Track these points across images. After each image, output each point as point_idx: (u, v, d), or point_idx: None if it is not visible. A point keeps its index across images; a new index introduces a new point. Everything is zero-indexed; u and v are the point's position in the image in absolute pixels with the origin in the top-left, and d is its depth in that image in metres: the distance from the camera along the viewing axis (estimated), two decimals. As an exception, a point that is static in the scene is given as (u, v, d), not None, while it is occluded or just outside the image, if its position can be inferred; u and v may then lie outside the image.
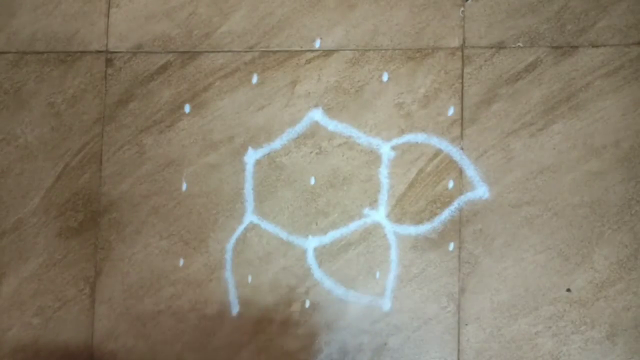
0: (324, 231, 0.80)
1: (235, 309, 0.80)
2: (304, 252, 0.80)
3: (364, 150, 0.80)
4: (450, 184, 0.78)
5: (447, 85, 0.79)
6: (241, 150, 0.81)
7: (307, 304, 0.80)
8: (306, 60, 0.80)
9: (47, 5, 0.83)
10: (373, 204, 0.79)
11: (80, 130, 0.82)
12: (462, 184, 0.78)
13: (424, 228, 0.79)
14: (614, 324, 0.76)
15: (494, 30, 0.79)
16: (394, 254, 0.79)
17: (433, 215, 0.79)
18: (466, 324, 0.78)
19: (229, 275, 0.81)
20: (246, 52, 0.81)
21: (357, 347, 0.79)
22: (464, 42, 0.79)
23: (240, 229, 0.81)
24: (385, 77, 0.79)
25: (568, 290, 0.77)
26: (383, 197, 0.79)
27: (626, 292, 0.76)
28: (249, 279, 0.80)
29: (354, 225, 0.80)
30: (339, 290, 0.79)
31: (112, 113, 0.82)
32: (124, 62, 0.82)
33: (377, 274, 0.79)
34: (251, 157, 0.81)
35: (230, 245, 0.81)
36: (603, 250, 0.76)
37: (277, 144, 0.80)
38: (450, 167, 0.78)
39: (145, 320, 0.81)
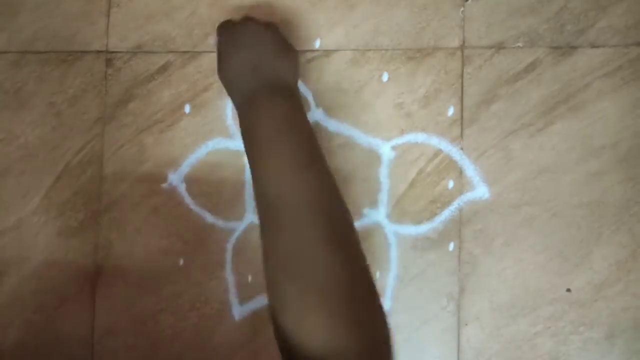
0: (324, 231, 0.80)
1: (235, 309, 0.81)
2: (304, 251, 0.80)
3: (364, 150, 0.80)
4: (450, 184, 0.78)
5: (447, 85, 0.79)
6: (241, 150, 0.81)
7: (307, 304, 0.80)
8: (306, 60, 0.80)
9: (48, 5, 0.83)
10: (373, 204, 0.79)
11: (81, 129, 0.82)
12: (462, 184, 0.79)
13: (424, 228, 0.79)
14: (612, 325, 0.76)
15: (493, 31, 0.79)
16: (394, 254, 0.79)
17: (433, 215, 0.79)
18: (466, 324, 0.78)
19: (229, 274, 0.81)
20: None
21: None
22: (463, 42, 0.79)
23: (240, 228, 0.81)
24: (385, 77, 0.79)
25: (568, 290, 0.77)
26: (383, 197, 0.79)
27: (625, 292, 0.76)
28: (249, 278, 0.80)
29: (354, 225, 0.80)
30: (338, 290, 0.79)
31: (112, 113, 0.82)
32: (124, 62, 0.82)
33: (377, 274, 0.79)
34: (251, 157, 0.81)
35: (230, 244, 0.81)
36: (602, 251, 0.76)
37: (277, 143, 0.80)
38: (450, 167, 0.78)
39: (145, 318, 0.81)
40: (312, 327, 0.51)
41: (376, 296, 0.54)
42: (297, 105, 0.63)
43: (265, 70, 0.64)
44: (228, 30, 0.68)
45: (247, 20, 0.69)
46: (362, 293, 0.53)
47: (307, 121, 0.62)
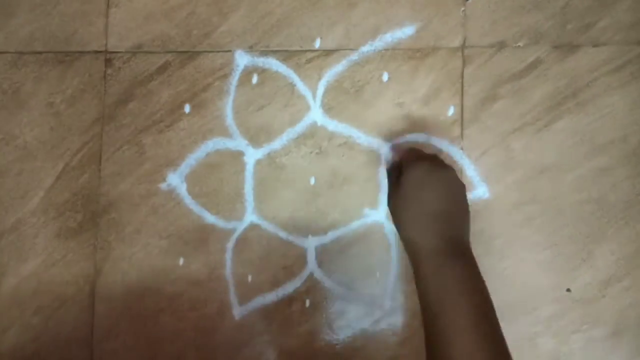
0: (324, 231, 0.80)
1: (235, 309, 0.80)
2: (304, 251, 0.80)
3: (364, 150, 0.79)
4: (451, 184, 0.78)
5: (448, 85, 0.78)
6: (241, 150, 0.81)
7: (307, 304, 0.79)
8: (306, 60, 0.80)
9: (45, 5, 0.83)
10: (373, 203, 0.79)
11: (80, 130, 0.82)
12: (463, 184, 0.78)
13: (424, 228, 0.78)
14: (618, 322, 0.76)
15: (495, 29, 0.78)
16: (394, 254, 0.79)
17: (433, 215, 0.79)
18: (466, 324, 0.77)
19: (228, 274, 0.80)
20: (246, 52, 0.81)
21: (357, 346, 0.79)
22: (464, 41, 0.78)
23: (240, 229, 0.80)
24: (385, 77, 0.79)
25: (568, 290, 0.77)
26: (383, 197, 0.79)
27: (631, 289, 0.76)
28: (249, 278, 0.80)
29: (354, 225, 0.79)
30: (339, 290, 0.79)
31: (111, 113, 0.82)
32: (123, 62, 0.81)
33: (377, 274, 0.79)
34: (251, 157, 0.80)
35: (230, 244, 0.80)
36: (608, 247, 0.76)
37: (277, 144, 0.80)
38: (451, 167, 0.78)
39: (145, 319, 0.81)
40: None
41: None
42: (476, 268, 0.60)
43: (456, 223, 0.63)
44: (427, 167, 0.65)
45: (443, 163, 0.68)
46: None
47: (484, 283, 0.60)
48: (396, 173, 0.68)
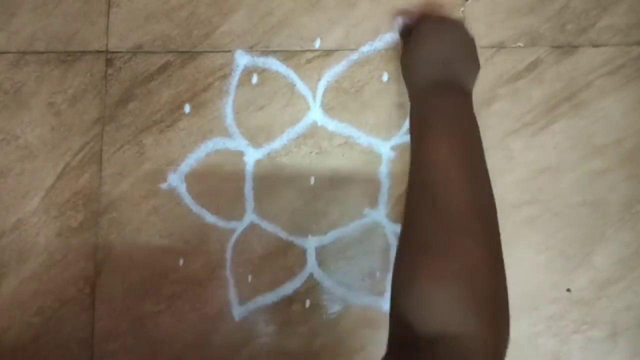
0: (324, 231, 0.80)
1: (235, 309, 0.80)
2: (304, 251, 0.80)
3: (364, 150, 0.79)
4: (451, 184, 0.78)
5: (447, 84, 0.78)
6: (241, 150, 0.81)
7: (307, 304, 0.79)
8: (306, 60, 0.80)
9: (47, 5, 0.83)
10: (373, 203, 0.79)
11: (81, 130, 0.82)
12: (462, 184, 0.78)
13: (424, 228, 0.78)
14: (615, 323, 0.76)
15: (494, 30, 0.78)
16: (394, 254, 0.79)
17: (433, 215, 0.79)
18: (466, 324, 0.77)
19: (229, 274, 0.80)
20: (246, 52, 0.81)
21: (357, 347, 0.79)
22: (464, 41, 0.78)
23: (240, 229, 0.80)
24: (385, 77, 0.79)
25: (568, 290, 0.77)
26: (383, 197, 0.79)
27: (628, 291, 0.76)
28: (249, 278, 0.80)
29: (354, 225, 0.79)
30: (339, 290, 0.79)
31: (112, 113, 0.82)
32: (124, 62, 0.82)
33: (377, 274, 0.79)
34: (251, 157, 0.80)
35: (230, 244, 0.81)
36: (605, 249, 0.76)
37: (277, 144, 0.80)
38: (451, 166, 0.78)
39: (146, 319, 0.81)
40: (445, 298, 0.48)
41: (508, 302, 0.53)
42: (467, 101, 0.63)
43: (456, 68, 0.66)
44: (435, 21, 0.70)
45: (450, 19, 0.73)
46: (503, 292, 0.52)
47: (472, 113, 0.63)
48: (407, 36, 0.71)
